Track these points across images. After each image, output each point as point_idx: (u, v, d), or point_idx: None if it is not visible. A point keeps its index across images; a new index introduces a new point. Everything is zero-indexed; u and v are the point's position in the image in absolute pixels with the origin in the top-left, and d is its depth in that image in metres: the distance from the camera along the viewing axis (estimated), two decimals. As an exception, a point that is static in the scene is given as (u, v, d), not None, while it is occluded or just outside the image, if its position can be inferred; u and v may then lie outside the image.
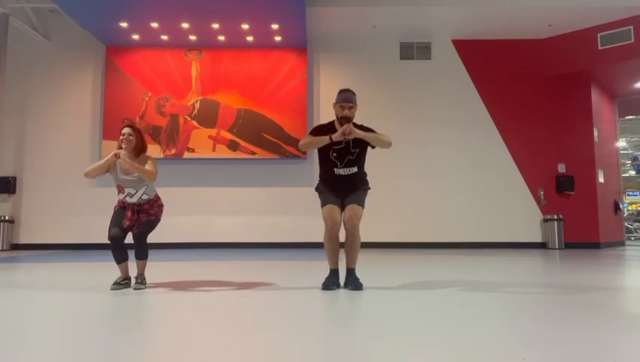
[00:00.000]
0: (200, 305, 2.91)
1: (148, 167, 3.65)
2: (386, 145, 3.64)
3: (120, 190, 3.69)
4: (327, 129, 3.68)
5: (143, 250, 3.70)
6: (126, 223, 3.63)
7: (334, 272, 3.68)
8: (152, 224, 3.74)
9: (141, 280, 3.73)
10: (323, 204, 3.70)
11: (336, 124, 3.67)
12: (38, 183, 10.03)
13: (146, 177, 3.62)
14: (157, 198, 3.84)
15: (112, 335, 2.13)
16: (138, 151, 3.73)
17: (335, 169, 3.66)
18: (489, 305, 2.85)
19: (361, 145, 3.67)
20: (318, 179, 3.84)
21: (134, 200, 3.69)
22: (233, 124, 10.10)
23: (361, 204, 3.66)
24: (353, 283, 3.62)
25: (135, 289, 3.62)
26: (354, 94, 3.67)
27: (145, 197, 3.72)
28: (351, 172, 3.67)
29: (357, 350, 1.84)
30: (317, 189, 3.86)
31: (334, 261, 3.70)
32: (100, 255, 7.95)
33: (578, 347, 1.88)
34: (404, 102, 10.42)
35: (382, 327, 2.25)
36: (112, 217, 3.71)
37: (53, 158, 10.10)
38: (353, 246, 3.64)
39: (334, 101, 3.69)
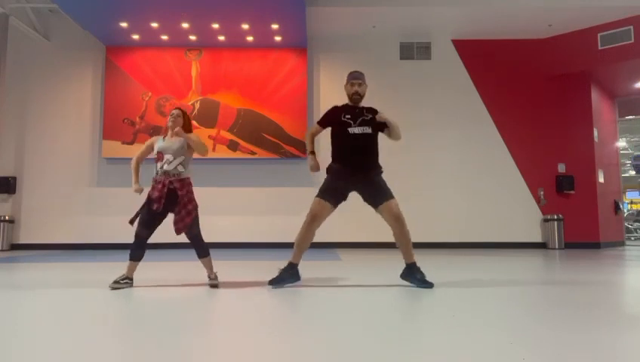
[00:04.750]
0: (199, 305, 2.91)
1: (195, 138, 3.83)
2: (398, 137, 3.78)
3: (159, 158, 3.76)
4: (339, 111, 3.78)
5: (202, 248, 3.85)
6: (155, 194, 3.66)
7: (295, 266, 3.71)
8: (195, 220, 3.78)
9: (214, 277, 3.87)
10: (322, 196, 3.66)
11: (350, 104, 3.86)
12: (38, 183, 10.03)
13: (199, 149, 3.79)
14: (189, 180, 3.86)
15: (111, 334, 2.14)
16: (185, 130, 3.89)
17: (349, 128, 3.65)
18: (489, 305, 2.85)
19: (374, 116, 3.75)
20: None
21: (170, 167, 3.74)
22: (233, 124, 10.10)
23: (392, 195, 3.63)
24: (423, 279, 3.68)
25: (212, 286, 3.75)
26: (362, 74, 3.86)
27: (180, 168, 3.77)
28: (365, 132, 3.64)
29: (356, 349, 1.84)
30: (329, 170, 3.76)
31: (300, 256, 3.73)
32: (100, 255, 7.95)
33: (578, 347, 1.88)
34: (404, 102, 10.41)
35: (381, 327, 2.25)
36: (144, 216, 3.69)
37: (53, 158, 10.09)
38: (407, 237, 3.67)
39: (345, 83, 3.87)
